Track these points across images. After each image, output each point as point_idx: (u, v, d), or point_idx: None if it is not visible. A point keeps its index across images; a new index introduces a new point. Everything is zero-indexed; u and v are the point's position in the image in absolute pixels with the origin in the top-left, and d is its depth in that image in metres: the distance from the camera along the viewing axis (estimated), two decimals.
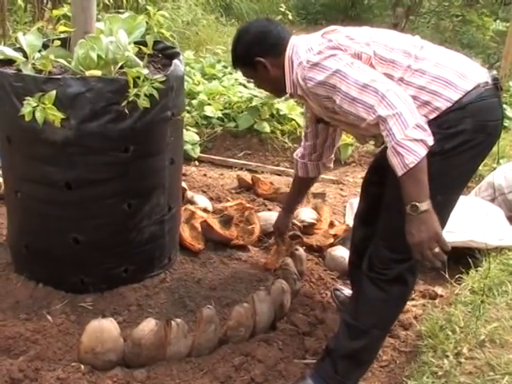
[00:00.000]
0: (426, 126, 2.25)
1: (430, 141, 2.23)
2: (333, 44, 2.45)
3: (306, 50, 2.50)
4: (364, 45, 2.46)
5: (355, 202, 3.54)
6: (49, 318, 2.96)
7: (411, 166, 2.19)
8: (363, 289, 2.62)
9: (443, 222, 2.40)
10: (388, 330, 2.77)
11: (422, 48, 2.48)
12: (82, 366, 2.64)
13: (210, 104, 5.96)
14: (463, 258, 3.53)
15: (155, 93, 2.67)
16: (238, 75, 7.11)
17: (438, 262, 2.29)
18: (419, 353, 2.93)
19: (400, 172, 2.23)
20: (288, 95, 2.73)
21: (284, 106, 5.81)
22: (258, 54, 2.64)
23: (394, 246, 2.48)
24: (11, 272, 3.32)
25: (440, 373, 2.68)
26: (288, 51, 2.59)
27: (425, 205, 2.23)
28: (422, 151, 2.20)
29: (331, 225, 3.91)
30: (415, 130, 2.20)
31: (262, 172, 5.17)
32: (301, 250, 3.48)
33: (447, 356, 2.76)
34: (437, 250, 2.26)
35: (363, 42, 2.48)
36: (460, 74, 2.37)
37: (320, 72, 2.40)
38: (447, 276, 3.43)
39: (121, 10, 7.77)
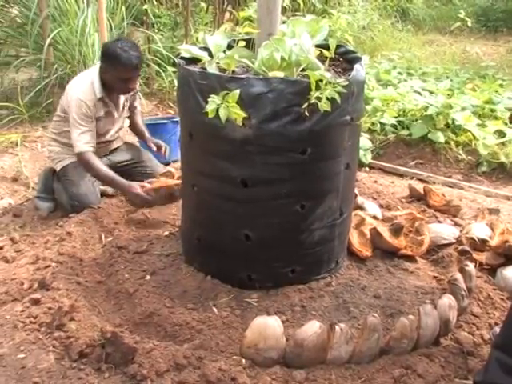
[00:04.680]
0: None
1: None
2: None
3: None
4: None
5: None
6: (214, 309, 3.04)
7: None
8: None
9: None
10: None
11: None
12: (244, 360, 2.68)
13: (383, 110, 5.90)
14: None
15: (337, 97, 2.67)
16: (414, 82, 7.00)
17: None
18: None
19: None
20: None
21: (460, 116, 5.63)
22: None
23: None
24: (181, 262, 3.45)
25: None
26: None
27: None
28: None
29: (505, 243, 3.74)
30: None
31: (434, 183, 5.03)
32: (471, 266, 3.34)
33: None
34: None
35: None
36: None
37: None
38: None
39: (297, 13, 7.89)
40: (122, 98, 4.46)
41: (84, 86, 4.16)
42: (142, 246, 3.60)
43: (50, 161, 4.58)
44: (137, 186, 4.09)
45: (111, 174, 4.17)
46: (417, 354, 2.81)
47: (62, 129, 4.38)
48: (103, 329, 2.73)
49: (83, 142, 4.12)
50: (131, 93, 4.43)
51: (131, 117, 4.75)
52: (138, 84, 4.59)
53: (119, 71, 4.07)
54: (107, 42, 4.24)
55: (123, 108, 4.52)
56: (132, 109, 4.70)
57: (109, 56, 4.07)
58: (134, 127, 4.84)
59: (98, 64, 4.34)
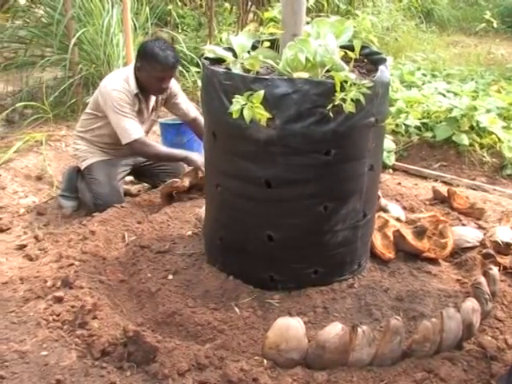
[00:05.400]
0: None
1: None
2: None
3: None
4: None
5: None
6: (236, 310, 3.05)
7: None
8: None
9: None
10: None
11: None
12: (265, 361, 2.67)
13: (407, 112, 5.87)
14: None
15: (362, 98, 2.66)
16: (438, 84, 6.95)
17: None
18: None
19: None
20: None
21: (485, 118, 5.58)
22: None
23: None
24: (204, 262, 3.45)
25: None
26: None
27: None
28: None
29: None
30: None
31: (457, 185, 4.99)
32: (495, 270, 3.31)
33: None
34: None
35: None
36: None
37: None
38: None
39: (321, 14, 7.88)
40: (153, 99, 4.50)
41: (120, 81, 4.24)
42: (164, 246, 3.61)
43: (75, 159, 4.63)
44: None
45: (169, 149, 4.41)
46: (439, 358, 2.78)
47: (90, 126, 4.43)
48: (125, 327, 2.74)
49: (134, 128, 4.20)
50: (163, 94, 4.46)
51: (195, 127, 4.77)
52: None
53: (156, 70, 4.14)
54: (145, 42, 4.33)
55: (152, 110, 4.55)
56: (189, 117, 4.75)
57: (146, 54, 4.14)
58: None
59: (131, 64, 4.39)
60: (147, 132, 4.65)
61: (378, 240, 3.51)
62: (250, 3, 8.91)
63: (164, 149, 4.41)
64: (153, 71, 4.15)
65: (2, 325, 2.93)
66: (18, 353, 2.72)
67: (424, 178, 5.21)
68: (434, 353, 2.81)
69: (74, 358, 2.71)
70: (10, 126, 6.19)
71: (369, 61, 3.29)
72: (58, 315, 2.96)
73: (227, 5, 8.74)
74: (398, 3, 11.46)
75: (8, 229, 4.18)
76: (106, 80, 4.34)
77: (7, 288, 3.28)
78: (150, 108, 4.52)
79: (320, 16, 6.09)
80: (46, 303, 3.06)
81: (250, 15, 9.06)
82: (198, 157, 4.19)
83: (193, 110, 4.71)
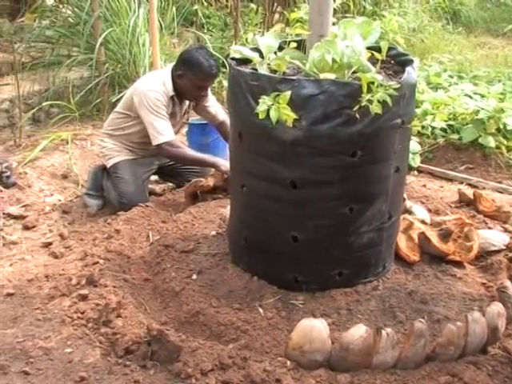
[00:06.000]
0: None
1: None
2: None
3: None
4: None
5: None
6: (260, 310, 3.05)
7: None
8: None
9: None
10: None
11: None
12: (288, 362, 2.67)
13: (433, 114, 5.83)
14: None
15: (388, 99, 2.64)
16: (465, 86, 6.90)
17: None
18: None
19: None
20: None
21: None
22: None
23: None
24: (228, 262, 3.46)
25: None
26: None
27: None
28: None
29: None
30: None
31: (483, 188, 4.94)
32: None
33: None
34: None
35: None
36: None
37: None
38: None
39: (347, 15, 7.86)
40: (187, 103, 4.53)
41: (157, 83, 4.28)
42: (189, 245, 3.61)
43: (101, 157, 4.66)
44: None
45: (198, 154, 4.40)
46: (464, 362, 2.76)
47: (120, 125, 4.46)
48: (149, 326, 2.75)
49: (166, 130, 4.23)
50: (195, 101, 4.50)
51: (223, 129, 4.74)
52: None
53: (199, 78, 4.20)
54: (188, 50, 4.41)
55: (183, 114, 4.58)
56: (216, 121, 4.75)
57: (191, 63, 4.18)
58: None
59: (167, 67, 4.43)
60: (175, 134, 4.67)
61: (402, 242, 3.48)
62: (275, 4, 8.91)
63: (193, 153, 4.40)
64: (195, 79, 4.20)
65: (28, 322, 2.97)
66: (42, 349, 2.75)
67: (450, 180, 5.16)
68: (459, 357, 2.79)
69: (97, 355, 2.73)
70: (37, 124, 6.24)
71: (395, 62, 3.27)
72: (82, 313, 2.99)
73: (253, 5, 8.75)
74: (425, 4, 11.40)
75: (34, 226, 4.22)
76: (142, 81, 4.39)
77: (33, 285, 3.32)
78: (183, 111, 4.55)
79: (346, 17, 6.08)
80: (70, 301, 3.09)
81: (276, 16, 9.06)
82: (226, 163, 4.15)
83: (221, 114, 4.69)
